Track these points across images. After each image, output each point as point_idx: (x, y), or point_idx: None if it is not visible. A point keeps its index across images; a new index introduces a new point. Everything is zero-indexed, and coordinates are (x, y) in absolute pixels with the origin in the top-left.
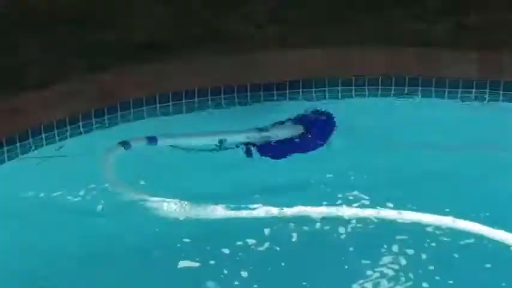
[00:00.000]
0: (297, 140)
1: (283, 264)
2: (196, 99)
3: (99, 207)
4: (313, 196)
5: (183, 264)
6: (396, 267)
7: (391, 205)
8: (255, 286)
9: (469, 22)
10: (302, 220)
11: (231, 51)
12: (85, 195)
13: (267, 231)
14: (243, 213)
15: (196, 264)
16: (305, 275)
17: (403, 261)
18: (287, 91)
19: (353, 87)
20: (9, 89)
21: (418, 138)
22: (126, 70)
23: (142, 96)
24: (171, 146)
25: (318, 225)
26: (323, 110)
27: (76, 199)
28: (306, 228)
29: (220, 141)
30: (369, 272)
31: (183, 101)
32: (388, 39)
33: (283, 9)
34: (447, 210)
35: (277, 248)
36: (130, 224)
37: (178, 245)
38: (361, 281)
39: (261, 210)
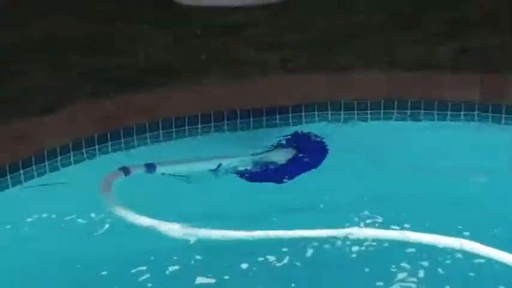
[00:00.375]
0: (289, 163)
1: (293, 285)
2: (199, 125)
3: (106, 229)
4: (324, 217)
5: (200, 280)
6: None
7: (399, 227)
8: None
9: (471, 45)
10: (313, 240)
11: (232, 76)
12: (92, 218)
13: (277, 251)
14: (255, 234)
15: (212, 281)
16: None
17: (415, 282)
18: (290, 115)
19: (355, 111)
20: (13, 115)
21: (423, 161)
22: (129, 96)
23: (145, 121)
24: (169, 174)
25: (328, 245)
26: (313, 132)
27: (84, 221)
28: (316, 248)
29: (218, 167)
30: None
31: (186, 126)
32: (389, 62)
33: (284, 34)
34: (456, 232)
35: (289, 268)
36: (139, 246)
37: (192, 261)
38: None
39: (272, 231)
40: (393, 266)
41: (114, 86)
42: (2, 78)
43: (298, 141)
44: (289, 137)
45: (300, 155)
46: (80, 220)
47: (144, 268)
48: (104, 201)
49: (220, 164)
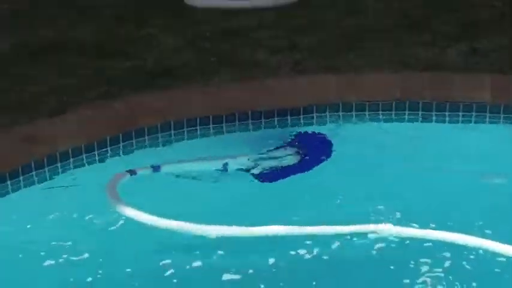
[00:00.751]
0: (295, 162)
1: (314, 283)
2: (211, 126)
3: (122, 229)
4: (344, 214)
5: (226, 277)
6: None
7: (417, 225)
8: None
9: (482, 46)
10: (333, 238)
11: (243, 78)
12: (109, 218)
13: (298, 247)
14: (273, 229)
15: (238, 277)
16: None
17: (438, 280)
18: (301, 116)
19: (367, 113)
20: (25, 117)
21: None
22: (140, 98)
23: (157, 123)
24: (175, 175)
25: (350, 242)
26: (317, 132)
27: (102, 221)
28: (338, 245)
29: (224, 166)
30: None
31: (198, 127)
32: (401, 64)
33: (295, 35)
34: (476, 230)
35: (311, 264)
36: (159, 243)
37: (215, 257)
38: None
39: (296, 227)
40: (416, 263)
41: (125, 88)
42: (12, 81)
43: (304, 141)
44: (295, 137)
45: (305, 155)
46: (97, 221)
47: (168, 262)
48: (110, 201)
49: (227, 164)
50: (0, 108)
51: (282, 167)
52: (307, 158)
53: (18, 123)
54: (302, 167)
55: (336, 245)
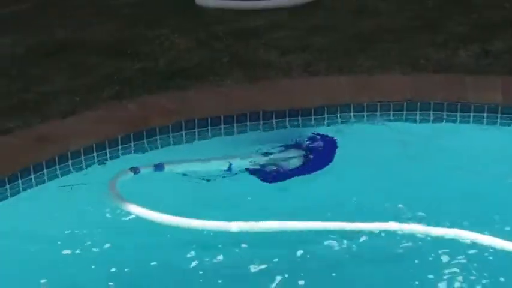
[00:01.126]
0: (299, 163)
1: (334, 274)
2: (222, 126)
3: (138, 225)
4: (366, 212)
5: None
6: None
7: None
8: None
9: (494, 48)
10: (359, 234)
11: (255, 79)
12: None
13: (319, 242)
14: (293, 225)
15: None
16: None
17: (462, 278)
18: (312, 117)
19: (378, 113)
20: (37, 117)
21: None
22: (152, 98)
23: (168, 123)
24: (178, 173)
25: (375, 239)
26: (323, 133)
27: (126, 218)
28: (364, 241)
29: (229, 166)
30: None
31: (209, 127)
32: (412, 65)
33: (307, 36)
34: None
35: (332, 259)
36: (179, 238)
37: (237, 250)
38: None
39: (318, 223)
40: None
41: (137, 89)
42: (25, 81)
43: (310, 142)
44: (301, 138)
45: (311, 156)
46: (123, 218)
47: (192, 255)
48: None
49: (231, 164)
50: (13, 108)
51: (286, 168)
52: (312, 159)
53: (31, 123)
54: (306, 168)
55: (351, 241)
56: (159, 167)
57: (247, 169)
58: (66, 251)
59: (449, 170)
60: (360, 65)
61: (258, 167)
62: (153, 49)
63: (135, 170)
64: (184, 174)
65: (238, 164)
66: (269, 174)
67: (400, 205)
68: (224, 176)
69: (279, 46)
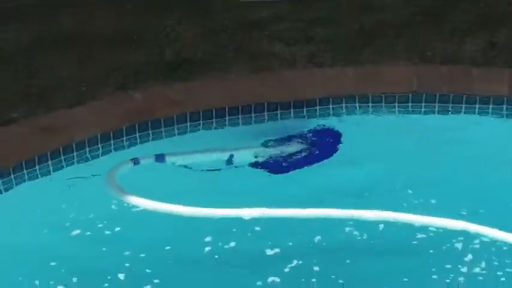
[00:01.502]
0: (301, 155)
1: (348, 260)
2: (227, 117)
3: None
4: (383, 201)
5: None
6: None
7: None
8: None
9: (500, 40)
10: (371, 223)
11: (260, 70)
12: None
13: (331, 229)
14: (305, 212)
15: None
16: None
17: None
18: (317, 108)
19: (383, 104)
20: (42, 107)
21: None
22: (157, 89)
23: (173, 114)
24: (178, 165)
25: (393, 229)
26: (327, 126)
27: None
28: (379, 231)
29: (230, 158)
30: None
31: (214, 119)
32: (418, 56)
33: (312, 27)
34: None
35: (343, 246)
36: (191, 225)
37: (249, 234)
38: None
39: (333, 210)
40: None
41: (142, 79)
42: (31, 71)
43: (312, 135)
44: (305, 130)
45: (312, 148)
46: (114, 208)
47: (208, 240)
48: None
49: (233, 155)
50: (19, 98)
51: (289, 159)
52: (316, 150)
53: (36, 113)
54: (308, 160)
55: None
56: (160, 158)
57: (250, 161)
58: (76, 232)
59: (454, 160)
60: (365, 57)
61: (261, 158)
62: (159, 40)
63: (135, 160)
64: (186, 166)
65: (241, 155)
66: (273, 166)
67: (409, 191)
68: (226, 168)
69: (283, 38)
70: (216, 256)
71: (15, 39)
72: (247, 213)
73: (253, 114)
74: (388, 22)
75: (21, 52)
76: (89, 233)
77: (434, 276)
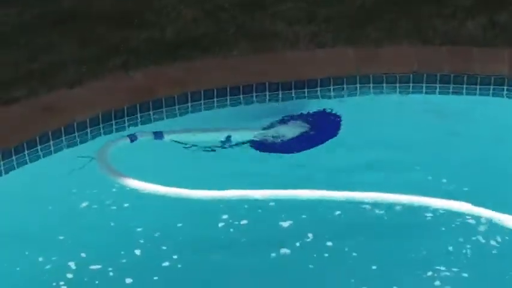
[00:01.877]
0: (301, 136)
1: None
2: (228, 97)
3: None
4: (395, 183)
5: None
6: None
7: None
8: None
9: (501, 20)
10: (382, 205)
11: (262, 50)
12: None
13: (333, 210)
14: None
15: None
16: (385, 256)
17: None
18: (318, 88)
19: (384, 85)
20: (43, 87)
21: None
22: (159, 69)
23: (174, 94)
24: (177, 141)
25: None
26: (328, 109)
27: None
28: (390, 213)
29: (227, 138)
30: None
31: (215, 99)
32: (419, 37)
33: (314, 8)
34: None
35: (347, 228)
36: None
37: (260, 210)
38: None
39: (340, 192)
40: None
41: (143, 59)
42: (32, 51)
43: (310, 116)
44: (302, 112)
45: (311, 131)
46: (113, 189)
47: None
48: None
49: (230, 135)
50: (20, 78)
51: (288, 141)
52: (312, 134)
53: (38, 92)
54: (309, 142)
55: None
56: (158, 135)
57: (249, 141)
58: (84, 204)
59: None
60: (366, 37)
61: (260, 139)
62: (161, 19)
63: (131, 137)
64: (184, 144)
65: (240, 135)
66: (271, 147)
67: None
68: (224, 147)
69: (285, 17)
70: (232, 230)
71: (16, 20)
72: (259, 194)
73: (254, 94)
74: (390, 3)
75: (22, 32)
76: (95, 206)
77: (450, 248)
